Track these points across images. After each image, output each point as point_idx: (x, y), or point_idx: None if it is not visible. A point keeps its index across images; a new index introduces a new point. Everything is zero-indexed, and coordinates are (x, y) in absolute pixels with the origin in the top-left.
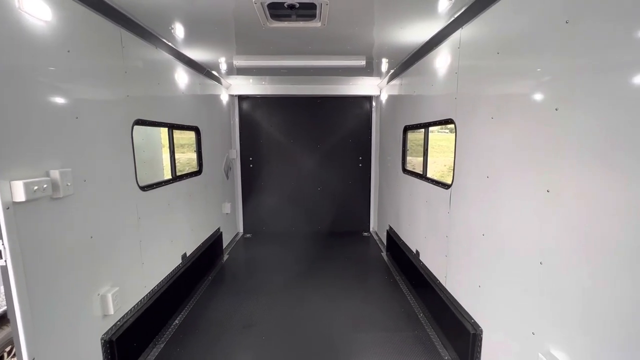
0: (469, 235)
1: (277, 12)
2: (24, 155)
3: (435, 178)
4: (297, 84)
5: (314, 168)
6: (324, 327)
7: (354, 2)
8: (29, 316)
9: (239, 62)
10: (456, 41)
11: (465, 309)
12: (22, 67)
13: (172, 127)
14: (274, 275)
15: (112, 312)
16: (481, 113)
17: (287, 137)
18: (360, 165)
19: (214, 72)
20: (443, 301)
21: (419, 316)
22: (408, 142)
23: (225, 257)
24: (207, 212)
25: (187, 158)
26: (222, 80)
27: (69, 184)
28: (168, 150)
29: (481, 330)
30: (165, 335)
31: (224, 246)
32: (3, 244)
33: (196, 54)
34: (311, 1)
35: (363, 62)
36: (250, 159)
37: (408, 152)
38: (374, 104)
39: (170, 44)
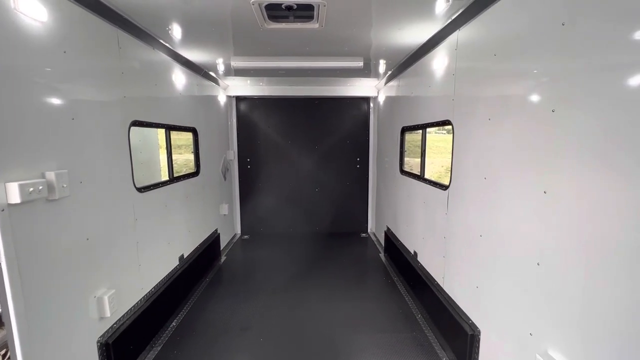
0: (466, 236)
1: (274, 13)
2: (19, 156)
3: (433, 179)
4: (294, 85)
5: (311, 169)
6: (322, 328)
7: (352, 4)
8: (23, 319)
9: (237, 63)
10: (453, 43)
11: (463, 309)
12: (17, 68)
13: (169, 128)
14: (271, 276)
15: (108, 314)
16: (478, 114)
17: (284, 138)
18: (357, 166)
19: (212, 73)
20: (441, 302)
21: (417, 317)
22: (405, 143)
23: (223, 258)
24: (205, 214)
25: (184, 159)
26: (220, 81)
27: (65, 185)
28: (165, 151)
29: (479, 331)
30: (162, 338)
31: (222, 248)
32: None
33: (193, 55)
34: (309, 2)
35: (361, 64)
36: (248, 160)
37: (405, 153)
38: (371, 105)
39: (167, 44)
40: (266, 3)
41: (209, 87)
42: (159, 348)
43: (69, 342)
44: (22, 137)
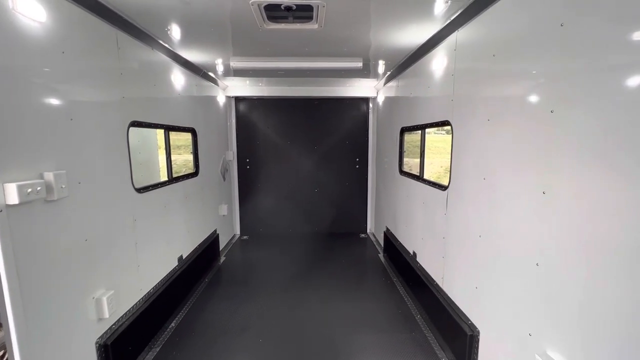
0: (466, 236)
1: (273, 13)
2: (17, 157)
3: (432, 179)
4: (294, 85)
5: (311, 169)
6: (321, 328)
7: (351, 4)
8: (22, 320)
9: (236, 63)
10: (452, 43)
11: (462, 310)
12: (16, 68)
13: (168, 128)
14: (271, 277)
15: (107, 315)
16: (478, 115)
17: (284, 139)
18: (357, 166)
19: (211, 74)
20: (440, 302)
21: (416, 317)
22: (405, 143)
23: (222, 259)
24: (204, 214)
25: (183, 159)
26: (219, 81)
27: (64, 186)
28: (164, 151)
29: (478, 332)
30: (161, 339)
31: (221, 248)
32: None
33: (193, 56)
34: (308, 3)
35: (360, 64)
36: (247, 160)
37: (405, 154)
38: (370, 105)
39: (166, 45)
40: (265, 4)
41: (208, 88)
42: (157, 349)
43: (68, 344)
44: (21, 138)
